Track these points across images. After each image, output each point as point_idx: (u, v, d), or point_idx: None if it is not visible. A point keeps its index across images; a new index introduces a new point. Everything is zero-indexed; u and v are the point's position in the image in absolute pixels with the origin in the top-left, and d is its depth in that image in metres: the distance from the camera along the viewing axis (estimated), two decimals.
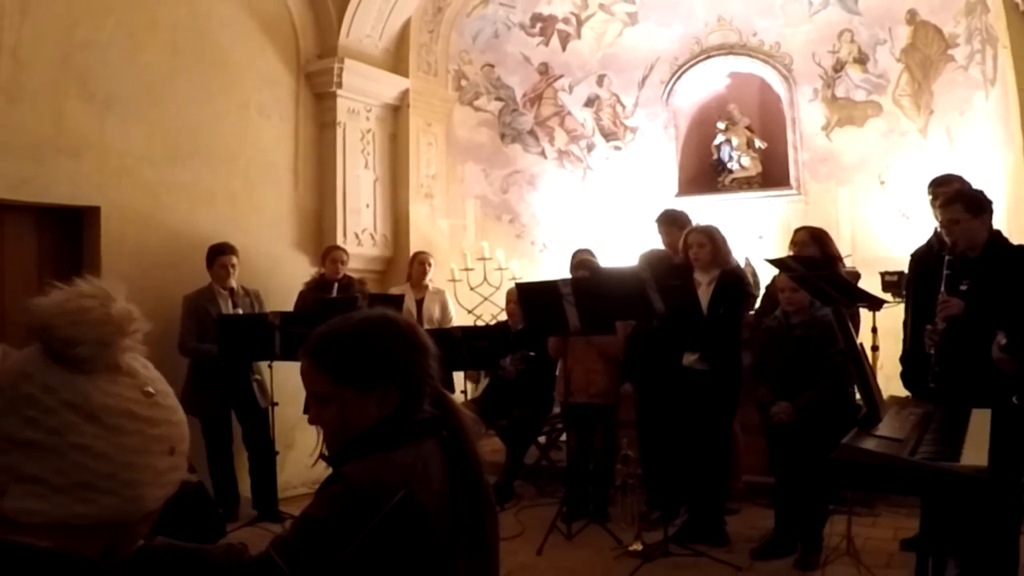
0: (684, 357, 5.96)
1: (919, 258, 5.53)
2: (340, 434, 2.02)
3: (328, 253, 8.01)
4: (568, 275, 6.79)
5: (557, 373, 7.08)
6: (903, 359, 5.41)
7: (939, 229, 5.51)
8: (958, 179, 5.74)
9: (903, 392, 5.15)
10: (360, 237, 8.91)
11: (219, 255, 7.03)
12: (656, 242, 7.08)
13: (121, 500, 1.11)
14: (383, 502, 1.84)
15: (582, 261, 7.28)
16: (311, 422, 2.12)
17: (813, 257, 5.89)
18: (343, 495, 1.89)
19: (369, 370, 2.01)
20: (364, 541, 1.82)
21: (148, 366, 1.23)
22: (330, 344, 2.08)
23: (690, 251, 6.11)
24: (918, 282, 5.33)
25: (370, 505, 1.84)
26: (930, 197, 5.85)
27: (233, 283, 7.06)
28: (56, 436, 1.08)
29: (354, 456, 1.96)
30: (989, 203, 4.77)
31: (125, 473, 1.11)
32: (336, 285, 7.73)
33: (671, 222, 6.81)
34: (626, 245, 9.05)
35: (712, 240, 6.14)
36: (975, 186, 5.19)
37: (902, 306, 5.85)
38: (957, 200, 4.73)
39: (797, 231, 6.57)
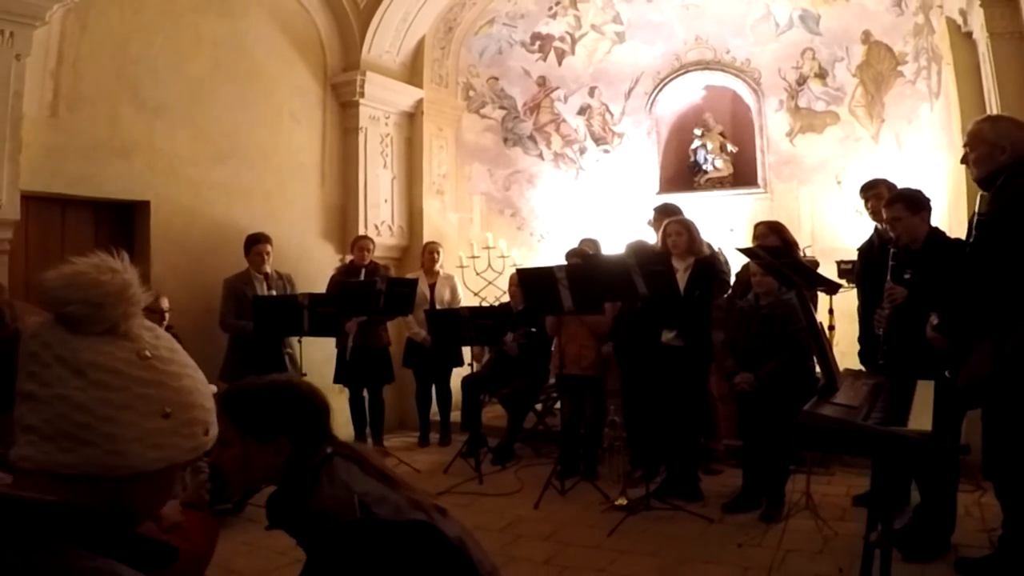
0: (663, 334, 5.95)
1: (863, 252, 5.56)
2: (240, 474, 2.16)
3: (356, 242, 8.00)
4: (563, 261, 6.77)
5: (552, 348, 7.08)
6: (861, 339, 5.42)
7: (878, 226, 5.54)
8: (883, 182, 5.76)
9: (858, 366, 5.14)
10: (379, 228, 8.90)
11: (255, 243, 7.02)
12: (639, 233, 7.06)
13: (101, 453, 1.07)
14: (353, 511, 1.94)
15: (577, 251, 7.26)
16: (211, 460, 2.18)
17: (778, 246, 5.89)
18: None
19: (268, 424, 2.11)
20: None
21: (160, 336, 1.21)
22: (238, 399, 2.18)
23: (668, 239, 6.11)
24: (864, 272, 5.34)
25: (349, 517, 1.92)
26: (863, 200, 5.87)
27: (268, 268, 7.06)
28: (46, 388, 1.07)
29: (287, 507, 2.08)
30: (927, 201, 4.76)
31: (104, 426, 1.07)
32: (364, 270, 7.72)
33: (664, 212, 6.77)
34: (613, 235, 9.03)
35: (688, 230, 6.13)
36: (918, 187, 5.15)
37: (855, 291, 5.84)
38: (899, 200, 4.72)
39: (757, 225, 6.60)
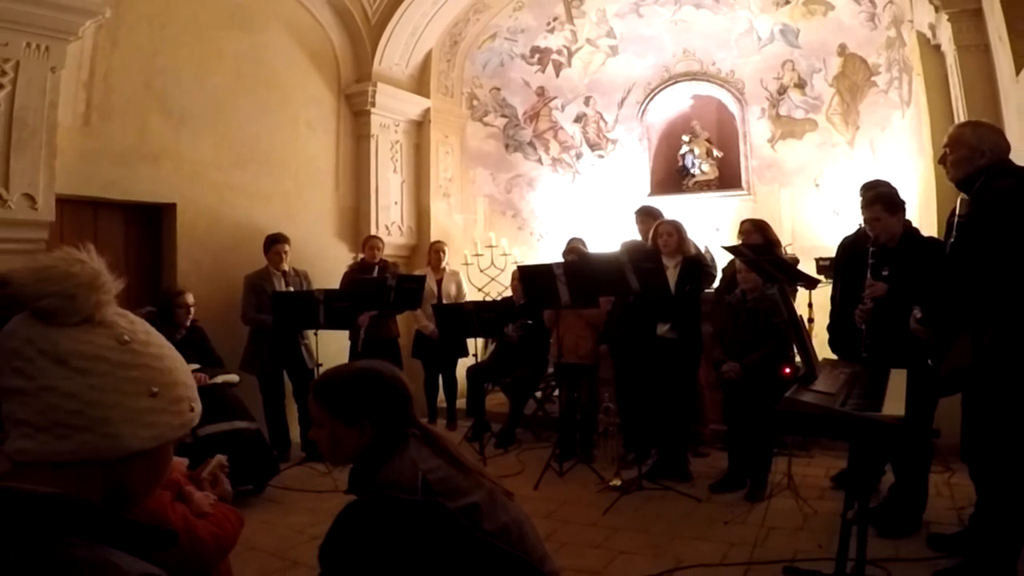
0: (657, 327, 5.93)
1: (848, 245, 5.50)
2: (330, 451, 2.25)
3: (367, 241, 7.98)
4: (561, 259, 6.76)
5: (551, 339, 7.07)
6: (830, 328, 5.41)
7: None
8: (884, 183, 5.71)
9: (834, 356, 5.14)
10: (390, 228, 8.89)
11: (274, 243, 7.01)
12: (630, 233, 7.07)
13: (96, 436, 1.05)
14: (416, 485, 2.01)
15: (572, 248, 7.26)
16: (310, 437, 2.31)
17: (761, 244, 5.88)
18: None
19: (354, 409, 2.19)
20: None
21: (135, 321, 1.17)
22: (328, 385, 2.28)
23: (660, 240, 6.10)
24: (847, 264, 5.31)
25: (411, 491, 2.00)
26: (861, 198, 5.83)
27: (286, 266, 7.04)
28: (33, 381, 1.04)
29: (365, 478, 2.14)
30: (903, 203, 4.75)
31: (93, 411, 1.05)
32: (376, 267, 7.71)
33: (647, 214, 6.80)
34: (607, 235, 9.04)
35: (678, 231, 6.13)
36: (891, 189, 5.15)
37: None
38: (877, 201, 4.70)
39: (742, 223, 6.57)
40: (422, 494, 1.97)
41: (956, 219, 3.77)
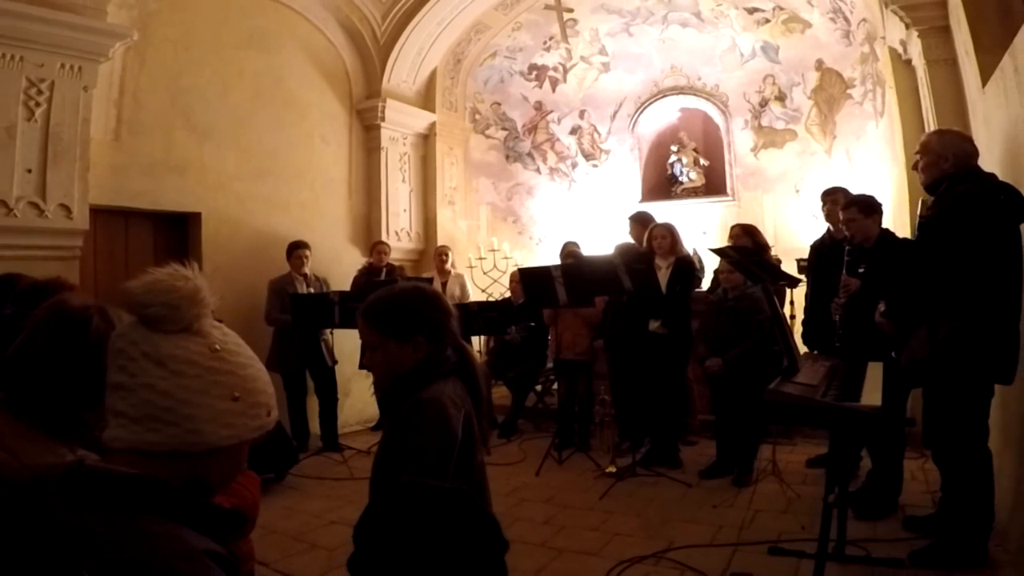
0: (650, 324, 5.93)
1: (816, 248, 5.56)
2: (386, 373, 2.13)
3: (375, 246, 8.00)
4: (558, 262, 6.75)
5: (550, 337, 7.07)
6: (804, 322, 5.43)
7: (831, 228, 5.53)
8: (842, 190, 5.73)
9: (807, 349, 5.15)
10: (399, 234, 8.89)
11: (296, 249, 7.02)
12: (623, 237, 7.07)
13: (182, 431, 1.11)
14: (460, 412, 1.99)
15: (570, 252, 7.26)
16: (363, 365, 2.22)
17: (747, 246, 5.89)
18: (435, 412, 1.96)
19: (406, 326, 2.11)
20: (462, 440, 1.96)
21: (228, 333, 1.24)
22: (378, 307, 2.17)
23: (654, 242, 6.11)
24: (818, 264, 5.35)
25: (456, 413, 1.97)
26: (821, 203, 5.85)
27: (307, 270, 7.06)
28: (134, 378, 1.11)
29: (401, 390, 2.06)
30: (879, 205, 4.75)
31: (184, 408, 1.12)
32: (383, 271, 7.71)
33: (639, 220, 6.80)
34: (601, 239, 9.05)
35: (671, 234, 6.14)
36: (868, 193, 5.14)
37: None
38: (853, 204, 4.72)
39: (733, 227, 6.57)
40: (463, 420, 1.98)
41: (918, 220, 3.80)
